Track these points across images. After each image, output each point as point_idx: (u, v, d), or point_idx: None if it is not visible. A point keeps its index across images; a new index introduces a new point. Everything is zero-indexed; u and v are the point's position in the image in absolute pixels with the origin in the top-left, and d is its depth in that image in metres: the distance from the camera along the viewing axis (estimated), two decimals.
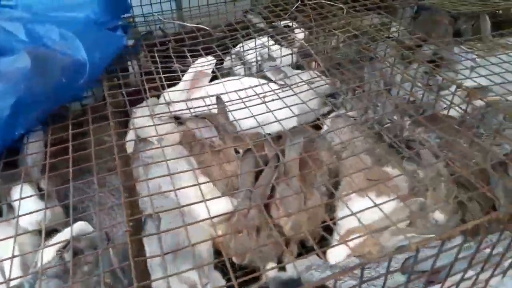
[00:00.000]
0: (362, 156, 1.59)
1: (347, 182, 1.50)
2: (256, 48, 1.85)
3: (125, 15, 1.79)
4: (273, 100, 1.53)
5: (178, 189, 1.19)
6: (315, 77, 1.94)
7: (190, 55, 1.72)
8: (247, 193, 1.30)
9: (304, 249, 1.43)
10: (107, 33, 1.44)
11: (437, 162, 1.37)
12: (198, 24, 1.95)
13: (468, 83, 1.85)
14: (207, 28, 1.82)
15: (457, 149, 1.47)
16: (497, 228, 1.05)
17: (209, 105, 1.44)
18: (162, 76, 1.47)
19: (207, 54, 1.70)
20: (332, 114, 1.94)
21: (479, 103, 1.76)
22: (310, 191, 1.38)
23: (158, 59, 1.57)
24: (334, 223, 1.42)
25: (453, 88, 1.85)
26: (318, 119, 1.88)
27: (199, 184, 1.17)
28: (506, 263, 1.08)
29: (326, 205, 1.50)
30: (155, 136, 1.47)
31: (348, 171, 1.53)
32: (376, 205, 1.10)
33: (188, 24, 1.91)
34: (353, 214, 1.06)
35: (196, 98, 1.49)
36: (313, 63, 2.16)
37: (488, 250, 1.02)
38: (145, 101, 1.53)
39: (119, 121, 1.48)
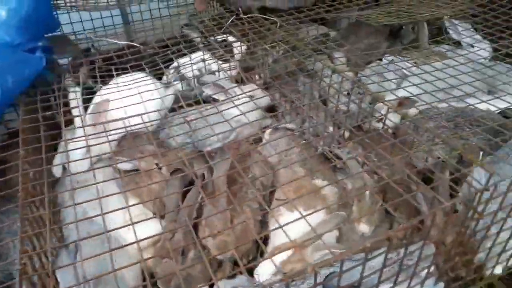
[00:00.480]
0: (295, 169, 1.61)
1: (278, 196, 1.49)
2: (191, 63, 1.82)
3: (51, 34, 1.73)
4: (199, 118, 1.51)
5: (105, 213, 1.15)
6: (255, 90, 1.94)
7: (120, 73, 1.68)
8: (172, 216, 1.27)
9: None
10: (23, 56, 1.39)
11: (361, 171, 1.39)
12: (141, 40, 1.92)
13: (400, 93, 1.90)
14: (136, 45, 1.78)
15: (385, 159, 1.50)
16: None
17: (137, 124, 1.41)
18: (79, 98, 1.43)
19: (138, 71, 1.67)
20: (270, 127, 1.94)
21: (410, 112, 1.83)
22: (240, 208, 1.36)
23: (81, 80, 1.52)
24: (265, 240, 1.41)
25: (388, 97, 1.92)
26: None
27: (127, 207, 1.14)
28: (423, 273, 1.10)
29: (261, 222, 1.50)
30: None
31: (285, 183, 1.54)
32: (301, 217, 1.08)
33: (118, 42, 1.87)
34: (278, 228, 1.05)
35: (114, 120, 1.45)
36: (253, 76, 2.17)
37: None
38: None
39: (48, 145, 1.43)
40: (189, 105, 1.66)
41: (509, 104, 1.63)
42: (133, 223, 1.09)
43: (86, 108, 1.50)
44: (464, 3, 1.94)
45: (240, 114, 1.55)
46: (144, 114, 1.38)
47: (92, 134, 1.32)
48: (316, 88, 1.82)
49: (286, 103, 1.94)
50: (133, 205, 1.26)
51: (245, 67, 2.04)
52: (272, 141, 1.78)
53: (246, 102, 1.81)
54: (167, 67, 1.95)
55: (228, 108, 1.62)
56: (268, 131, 1.91)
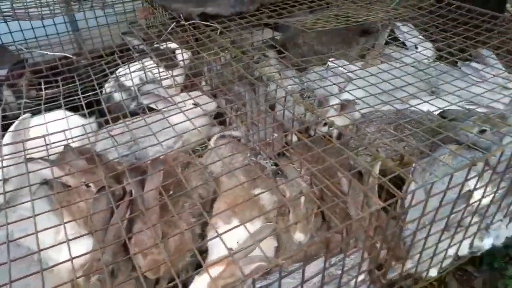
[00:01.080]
0: (238, 178, 1.58)
1: (218, 208, 1.47)
2: (130, 72, 1.77)
3: None
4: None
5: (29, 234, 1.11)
6: (200, 96, 1.91)
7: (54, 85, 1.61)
8: (99, 235, 1.22)
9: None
10: None
11: (296, 177, 1.37)
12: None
13: (344, 96, 1.91)
14: (70, 56, 1.72)
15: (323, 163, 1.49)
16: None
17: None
18: None
19: (67, 84, 1.60)
20: (216, 135, 1.91)
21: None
22: (174, 223, 1.32)
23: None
24: (204, 253, 1.38)
25: (332, 101, 1.93)
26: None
27: (55, 226, 1.10)
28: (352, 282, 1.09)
29: (200, 235, 1.46)
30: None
31: (223, 195, 1.51)
32: (233, 228, 1.05)
33: (48, 53, 1.80)
34: (212, 239, 1.02)
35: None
36: (200, 83, 2.13)
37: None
38: None
39: None
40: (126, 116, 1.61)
41: (448, 104, 1.64)
42: (61, 243, 1.06)
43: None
44: (397, 8, 1.96)
45: (184, 121, 1.51)
46: (67, 130, 1.32)
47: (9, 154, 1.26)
48: (262, 94, 1.80)
49: (232, 110, 1.91)
50: (55, 226, 1.20)
51: (192, 74, 2.01)
52: (217, 149, 1.75)
53: (191, 109, 1.78)
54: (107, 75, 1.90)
55: (171, 115, 1.57)
56: (213, 139, 1.88)
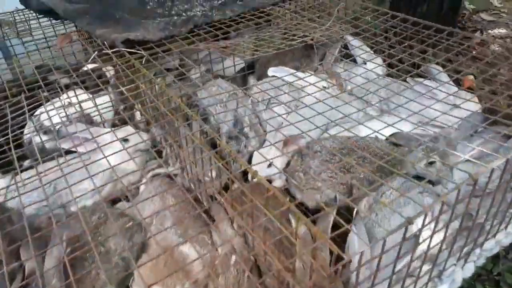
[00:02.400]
0: (168, 231, 1.40)
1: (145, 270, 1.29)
2: (47, 111, 1.56)
3: None
4: None
5: None
6: (132, 133, 1.72)
7: None
8: None
9: None
10: None
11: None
12: None
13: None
14: None
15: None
16: None
17: None
18: None
19: None
20: (149, 174, 1.73)
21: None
22: None
23: None
24: None
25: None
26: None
27: None
28: None
29: None
30: None
31: (152, 253, 1.33)
32: None
33: None
34: None
35: None
36: (136, 115, 1.95)
37: None
38: None
39: None
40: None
41: (397, 130, 1.50)
42: None
43: None
44: (338, 24, 1.83)
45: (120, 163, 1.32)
46: None
47: None
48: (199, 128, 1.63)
49: (167, 145, 1.74)
50: None
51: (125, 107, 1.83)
52: (148, 193, 1.57)
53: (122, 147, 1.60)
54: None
55: (97, 160, 1.38)
56: (144, 180, 1.70)
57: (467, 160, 1.33)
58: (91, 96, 1.64)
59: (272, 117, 1.68)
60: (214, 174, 1.53)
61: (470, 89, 2.10)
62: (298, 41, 1.63)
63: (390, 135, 1.60)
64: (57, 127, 1.67)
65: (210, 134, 1.19)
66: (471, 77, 2.38)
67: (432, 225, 1.08)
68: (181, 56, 1.70)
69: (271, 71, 1.91)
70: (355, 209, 1.29)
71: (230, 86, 1.90)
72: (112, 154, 1.33)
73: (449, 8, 3.15)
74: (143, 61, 1.63)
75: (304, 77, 1.73)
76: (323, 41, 1.77)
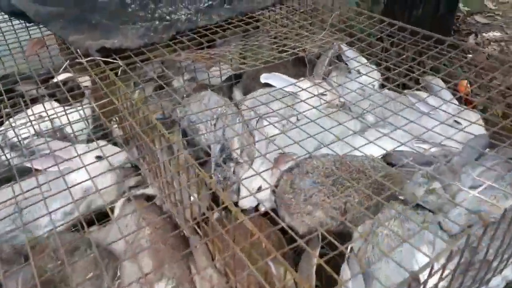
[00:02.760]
0: (143, 262, 1.27)
1: None
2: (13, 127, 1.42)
3: None
4: None
5: None
6: (106, 147, 1.58)
7: None
8: None
9: None
10: None
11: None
12: None
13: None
14: None
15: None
16: None
17: None
18: None
19: None
20: (125, 195, 1.59)
21: None
22: None
23: None
24: None
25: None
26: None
27: None
28: None
29: None
30: None
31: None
32: None
33: None
34: None
35: None
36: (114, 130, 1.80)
37: None
38: None
39: None
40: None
41: (397, 144, 1.37)
42: None
43: None
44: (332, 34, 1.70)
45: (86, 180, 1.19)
46: None
47: None
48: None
49: (144, 161, 1.60)
50: None
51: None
52: (123, 218, 1.44)
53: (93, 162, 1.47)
54: None
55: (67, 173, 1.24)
56: (119, 202, 1.56)
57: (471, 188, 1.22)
58: (61, 109, 1.50)
59: (261, 139, 1.55)
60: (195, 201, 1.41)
61: (465, 95, 2.00)
62: (289, 52, 1.50)
63: (386, 154, 1.49)
64: (25, 143, 1.54)
65: (189, 162, 1.05)
66: (465, 82, 2.28)
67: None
68: (162, 66, 1.57)
69: (263, 78, 1.78)
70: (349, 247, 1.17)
71: (221, 99, 1.76)
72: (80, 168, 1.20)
73: (445, 11, 3.05)
74: (119, 72, 1.49)
75: (297, 82, 1.61)
76: (314, 53, 1.64)
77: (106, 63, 1.56)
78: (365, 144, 1.31)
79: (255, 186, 1.56)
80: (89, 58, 1.58)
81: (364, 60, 1.91)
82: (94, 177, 1.18)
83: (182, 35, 1.75)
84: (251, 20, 1.84)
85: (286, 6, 2.13)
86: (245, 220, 0.85)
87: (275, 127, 1.46)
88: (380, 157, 1.53)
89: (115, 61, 1.55)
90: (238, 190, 1.57)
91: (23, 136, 1.58)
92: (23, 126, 1.52)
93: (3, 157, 1.56)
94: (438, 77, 1.64)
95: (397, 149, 1.34)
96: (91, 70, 1.49)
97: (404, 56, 1.64)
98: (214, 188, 0.96)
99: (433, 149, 1.52)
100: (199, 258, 1.15)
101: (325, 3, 1.97)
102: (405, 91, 1.79)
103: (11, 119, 1.63)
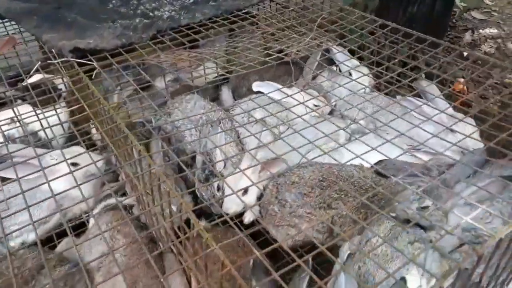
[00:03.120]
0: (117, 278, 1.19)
1: None
2: None
3: None
4: None
5: None
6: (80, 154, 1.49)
7: None
8: None
9: None
10: None
11: None
12: None
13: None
14: None
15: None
16: None
17: None
18: None
19: None
20: (100, 205, 1.51)
21: None
22: None
23: None
24: None
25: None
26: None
27: None
28: None
29: None
30: None
31: None
32: None
33: None
34: None
35: None
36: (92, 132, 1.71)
37: None
38: None
39: None
40: None
41: (384, 157, 1.30)
42: None
43: None
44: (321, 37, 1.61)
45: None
46: None
47: None
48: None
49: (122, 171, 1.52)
50: None
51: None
52: (98, 230, 1.35)
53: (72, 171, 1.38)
54: None
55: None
56: (96, 210, 1.47)
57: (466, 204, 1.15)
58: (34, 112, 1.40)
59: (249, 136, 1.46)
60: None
61: (460, 93, 1.93)
62: (273, 56, 1.41)
63: (377, 163, 1.41)
64: None
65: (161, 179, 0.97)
66: (462, 80, 2.21)
67: None
68: (139, 69, 1.47)
69: (255, 86, 1.72)
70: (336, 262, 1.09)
71: (208, 104, 1.67)
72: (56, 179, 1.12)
73: (441, 8, 2.95)
74: (94, 75, 1.40)
75: (283, 88, 1.54)
76: (301, 56, 1.55)
77: (80, 64, 1.46)
78: (353, 158, 1.21)
79: (241, 186, 1.47)
80: (63, 59, 1.49)
81: (355, 63, 1.83)
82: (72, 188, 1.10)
83: (163, 35, 1.65)
84: (236, 18, 1.74)
85: (275, 2, 2.03)
86: (217, 250, 0.77)
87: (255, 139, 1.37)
88: (369, 165, 1.45)
89: (89, 63, 1.45)
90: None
91: None
92: None
93: None
94: (433, 83, 1.56)
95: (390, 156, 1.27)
96: (64, 72, 1.39)
97: (396, 60, 1.56)
98: (185, 209, 0.88)
99: (425, 157, 1.44)
100: (174, 279, 1.07)
101: (315, 1, 1.88)
102: (398, 97, 1.72)
103: None
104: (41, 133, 1.63)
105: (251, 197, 1.46)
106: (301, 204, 1.36)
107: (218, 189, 1.42)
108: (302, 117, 1.37)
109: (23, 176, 1.24)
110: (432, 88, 1.61)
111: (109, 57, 1.49)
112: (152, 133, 1.31)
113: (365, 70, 1.81)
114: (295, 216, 1.36)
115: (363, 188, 1.38)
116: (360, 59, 1.76)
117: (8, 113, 1.50)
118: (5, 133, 1.48)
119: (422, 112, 1.57)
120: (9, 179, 1.42)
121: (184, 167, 1.06)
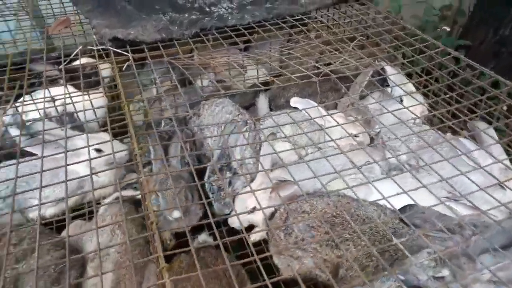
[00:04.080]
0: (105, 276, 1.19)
1: None
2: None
3: None
4: None
5: None
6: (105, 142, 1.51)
7: None
8: None
9: None
10: None
11: None
12: None
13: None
14: None
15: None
16: None
17: None
18: None
19: None
20: (112, 196, 1.52)
21: None
22: None
23: None
24: None
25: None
26: None
27: None
28: None
29: None
30: None
31: None
32: None
33: None
34: None
35: None
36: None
37: None
38: None
39: None
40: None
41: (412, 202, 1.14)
42: None
43: None
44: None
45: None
46: None
47: None
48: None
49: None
50: None
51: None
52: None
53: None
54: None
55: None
56: (102, 208, 1.48)
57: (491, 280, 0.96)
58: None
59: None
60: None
61: None
62: (319, 71, 1.30)
63: (403, 208, 1.24)
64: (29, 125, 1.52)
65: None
66: None
67: None
68: (169, 67, 1.44)
69: (293, 102, 1.63)
70: None
71: (236, 110, 1.62)
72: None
73: None
74: (125, 67, 1.40)
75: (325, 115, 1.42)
76: (344, 73, 1.41)
77: (117, 54, 1.47)
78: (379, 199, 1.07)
79: (249, 205, 1.40)
80: (102, 47, 1.51)
81: (411, 88, 1.64)
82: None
83: (206, 33, 1.61)
84: (284, 25, 1.64)
85: (337, 10, 1.89)
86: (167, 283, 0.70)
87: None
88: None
89: (126, 53, 1.46)
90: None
91: (33, 117, 1.56)
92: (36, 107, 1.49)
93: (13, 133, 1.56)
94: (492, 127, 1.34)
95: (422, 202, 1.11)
96: (97, 60, 1.41)
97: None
98: (153, 230, 0.83)
99: (464, 212, 1.25)
100: None
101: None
102: (448, 135, 1.50)
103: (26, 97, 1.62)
104: (80, 115, 1.69)
105: (259, 216, 1.38)
106: (308, 236, 1.25)
107: (230, 183, 1.36)
108: (336, 141, 1.26)
109: (46, 156, 1.29)
110: (490, 132, 1.38)
111: (146, 50, 1.49)
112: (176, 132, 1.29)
113: (420, 98, 1.61)
114: (299, 248, 1.25)
115: (380, 233, 1.23)
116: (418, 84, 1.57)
117: (52, 91, 1.56)
118: (45, 110, 1.55)
119: (473, 158, 1.36)
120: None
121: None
